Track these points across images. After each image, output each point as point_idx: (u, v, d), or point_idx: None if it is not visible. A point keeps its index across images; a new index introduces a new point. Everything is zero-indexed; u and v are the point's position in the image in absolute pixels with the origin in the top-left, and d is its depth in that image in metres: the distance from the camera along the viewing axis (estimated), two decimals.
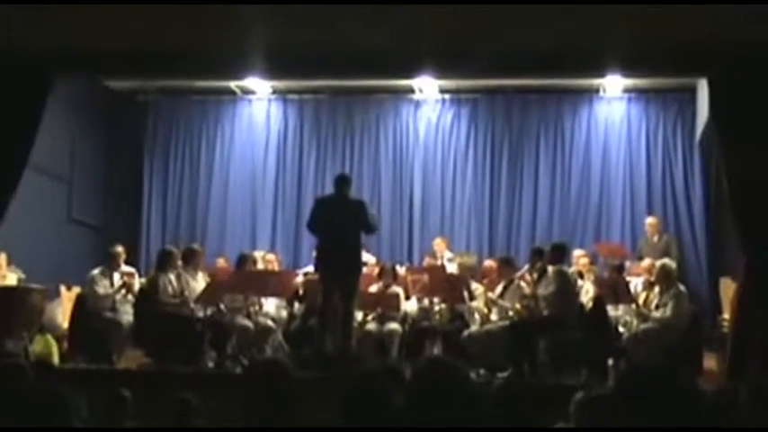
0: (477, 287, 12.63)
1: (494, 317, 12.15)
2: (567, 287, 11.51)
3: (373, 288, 12.79)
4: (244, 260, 12.89)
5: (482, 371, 11.39)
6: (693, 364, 10.94)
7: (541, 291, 11.64)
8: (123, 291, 12.42)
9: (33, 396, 5.52)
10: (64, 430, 5.49)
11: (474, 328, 12.00)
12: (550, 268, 11.65)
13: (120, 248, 12.91)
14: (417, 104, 16.67)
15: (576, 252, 14.01)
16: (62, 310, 13.01)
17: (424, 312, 12.76)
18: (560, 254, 11.84)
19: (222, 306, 12.07)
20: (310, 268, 13.00)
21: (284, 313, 12.99)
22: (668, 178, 15.78)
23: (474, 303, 12.39)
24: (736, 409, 5.45)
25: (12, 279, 12.75)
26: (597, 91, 16.04)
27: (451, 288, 12.49)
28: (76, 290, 13.04)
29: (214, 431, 6.33)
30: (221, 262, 14.67)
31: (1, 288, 12.36)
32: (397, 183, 16.58)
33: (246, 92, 16.81)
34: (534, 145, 16.30)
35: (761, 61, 10.46)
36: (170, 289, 11.97)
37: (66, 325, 12.64)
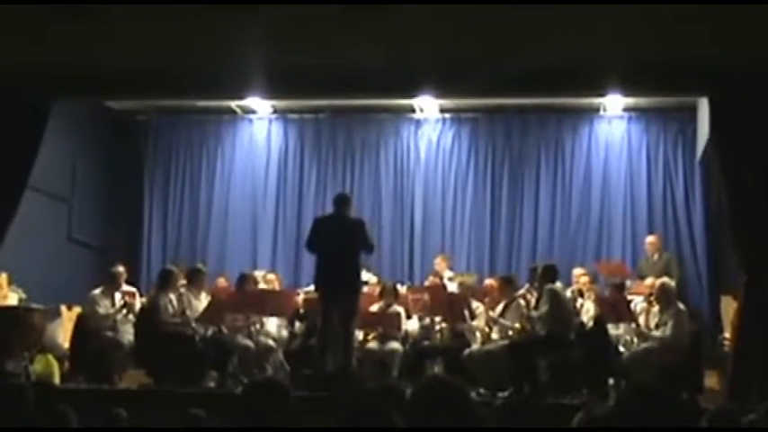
0: (477, 306, 12.61)
1: (495, 336, 12.13)
2: (559, 305, 11.50)
3: (374, 307, 12.77)
4: (245, 280, 12.87)
5: (483, 390, 11.35)
6: (694, 382, 10.91)
7: (534, 312, 11.62)
8: (124, 310, 12.42)
9: (34, 416, 5.53)
10: (62, 430, 5.51)
11: (475, 347, 11.98)
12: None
13: (121, 268, 12.94)
14: (418, 124, 16.64)
15: (577, 271, 13.98)
16: (63, 330, 12.97)
17: (425, 331, 12.75)
18: (551, 274, 11.81)
19: (223, 326, 12.07)
20: (311, 287, 13.01)
21: (285, 332, 12.98)
22: (669, 197, 15.73)
23: (475, 322, 12.38)
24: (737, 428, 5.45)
25: (12, 299, 12.73)
26: (597, 110, 16.01)
27: (452, 307, 12.48)
28: (77, 310, 13.02)
29: (217, 431, 6.32)
30: (222, 281, 14.63)
31: (2, 308, 12.35)
32: (398, 202, 16.53)
33: (247, 111, 16.79)
34: (535, 164, 16.24)
35: (761, 80, 10.48)
36: (170, 308, 11.96)
37: (67, 345, 12.61)
